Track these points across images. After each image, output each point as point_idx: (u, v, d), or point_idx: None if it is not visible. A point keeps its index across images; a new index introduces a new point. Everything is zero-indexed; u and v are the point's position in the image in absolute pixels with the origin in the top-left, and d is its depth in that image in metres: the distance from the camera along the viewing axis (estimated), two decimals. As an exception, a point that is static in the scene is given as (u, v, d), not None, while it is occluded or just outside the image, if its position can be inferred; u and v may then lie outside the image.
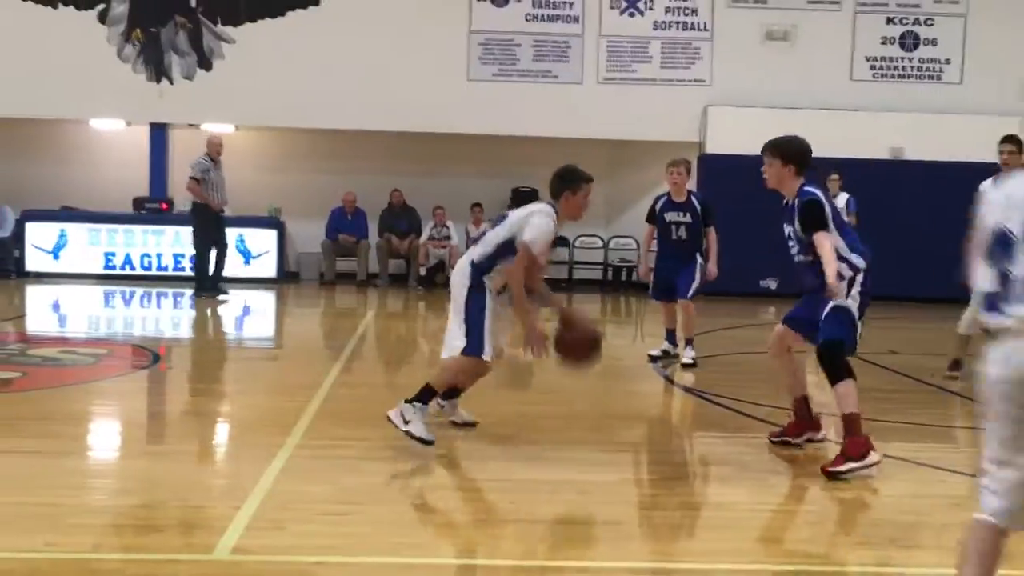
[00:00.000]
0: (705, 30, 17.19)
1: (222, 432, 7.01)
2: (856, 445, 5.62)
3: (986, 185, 8.68)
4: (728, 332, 12.70)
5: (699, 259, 9.73)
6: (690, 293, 9.58)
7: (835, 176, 14.40)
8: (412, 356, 11.31)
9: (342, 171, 17.73)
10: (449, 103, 16.77)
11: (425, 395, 6.06)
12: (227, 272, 14.94)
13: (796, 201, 6.12)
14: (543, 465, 5.81)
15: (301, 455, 5.88)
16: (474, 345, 6.00)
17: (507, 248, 6.18)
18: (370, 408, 6.77)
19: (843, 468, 5.56)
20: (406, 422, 5.95)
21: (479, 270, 6.21)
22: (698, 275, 9.65)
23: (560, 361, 6.29)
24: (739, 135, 16.79)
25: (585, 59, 17.20)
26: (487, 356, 6.03)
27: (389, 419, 6.00)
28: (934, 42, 17.22)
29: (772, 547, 4.69)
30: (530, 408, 7.86)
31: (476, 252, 6.29)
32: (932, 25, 17.19)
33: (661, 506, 5.24)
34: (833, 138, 16.48)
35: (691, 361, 9.54)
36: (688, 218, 9.86)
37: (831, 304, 5.78)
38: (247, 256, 16.86)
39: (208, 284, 14.44)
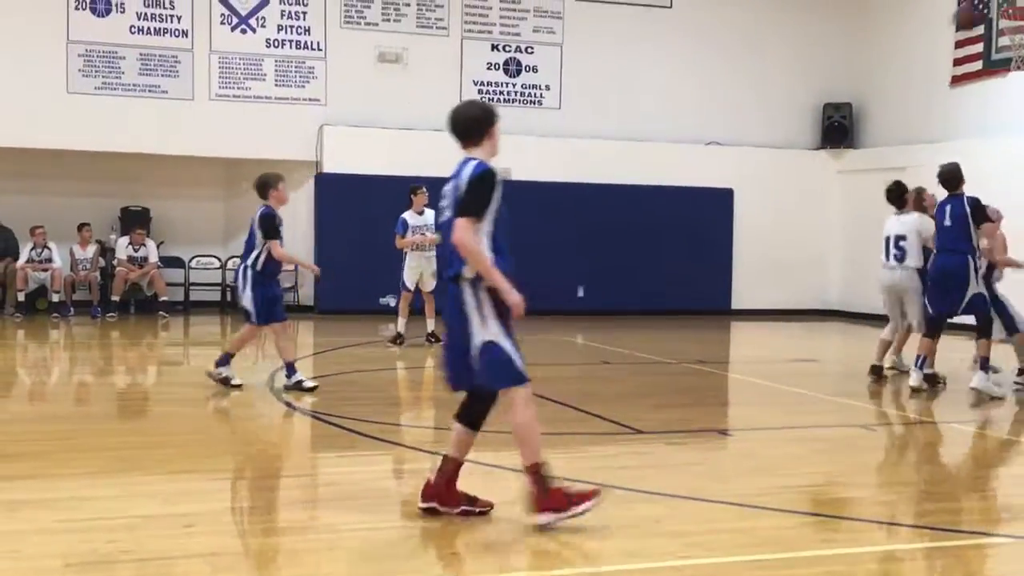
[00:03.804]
0: (319, 50, 17.27)
1: None
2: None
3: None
4: (347, 351, 12.80)
5: None
6: None
7: (422, 191, 13.14)
8: (11, 389, 10.44)
9: (-79, 188, 16.17)
10: (47, 116, 15.75)
11: None
12: None
13: None
14: (148, 500, 5.58)
15: None
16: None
17: None
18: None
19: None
20: None
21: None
22: None
23: None
24: (355, 154, 17.04)
25: (196, 75, 16.74)
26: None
27: None
28: (535, 69, 18.32)
29: (368, 566, 4.74)
30: (136, 439, 7.53)
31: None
32: (532, 53, 18.29)
33: (271, 532, 5.18)
34: (446, 159, 17.09)
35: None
36: None
37: None
38: None
39: None
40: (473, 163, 5.23)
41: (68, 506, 5.44)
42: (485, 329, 5.09)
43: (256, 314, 9.20)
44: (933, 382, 10.06)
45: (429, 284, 13.15)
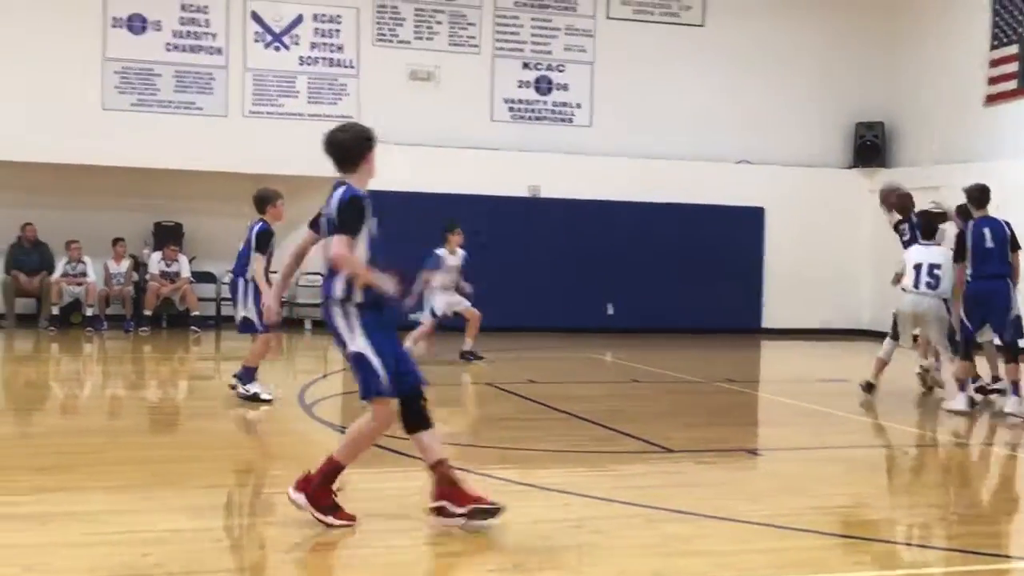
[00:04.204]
0: (351, 67, 17.40)
1: None
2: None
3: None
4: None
5: None
6: None
7: (458, 230, 13.07)
8: (44, 402, 10.55)
9: (-42, 203, 16.41)
10: (82, 132, 15.91)
11: None
12: None
13: None
14: (179, 514, 5.61)
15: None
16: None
17: None
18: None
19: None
20: None
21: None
22: None
23: None
24: (386, 171, 17.06)
25: (230, 92, 16.90)
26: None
27: None
28: (566, 87, 18.36)
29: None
30: (167, 452, 7.58)
31: None
32: (564, 71, 18.33)
33: (302, 548, 5.20)
34: (476, 176, 17.22)
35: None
36: None
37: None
38: None
39: None
40: (341, 189, 5.47)
41: (99, 519, 5.48)
42: (354, 342, 5.34)
43: (260, 322, 9.32)
44: (971, 404, 9.98)
45: (464, 303, 13.17)
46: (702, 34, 18.81)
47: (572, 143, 18.12)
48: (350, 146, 5.53)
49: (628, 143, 18.21)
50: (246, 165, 16.82)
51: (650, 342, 16.51)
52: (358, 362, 5.35)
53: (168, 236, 17.20)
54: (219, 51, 16.86)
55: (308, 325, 17.50)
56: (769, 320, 18.90)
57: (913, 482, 7.59)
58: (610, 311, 18.15)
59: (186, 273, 16.78)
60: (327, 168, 19.16)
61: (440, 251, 12.95)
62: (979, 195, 9.93)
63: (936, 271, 10.30)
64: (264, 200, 9.60)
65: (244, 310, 9.54)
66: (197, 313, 16.53)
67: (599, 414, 9.30)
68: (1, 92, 15.70)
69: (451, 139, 17.42)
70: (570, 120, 18.39)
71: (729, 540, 5.40)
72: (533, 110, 18.25)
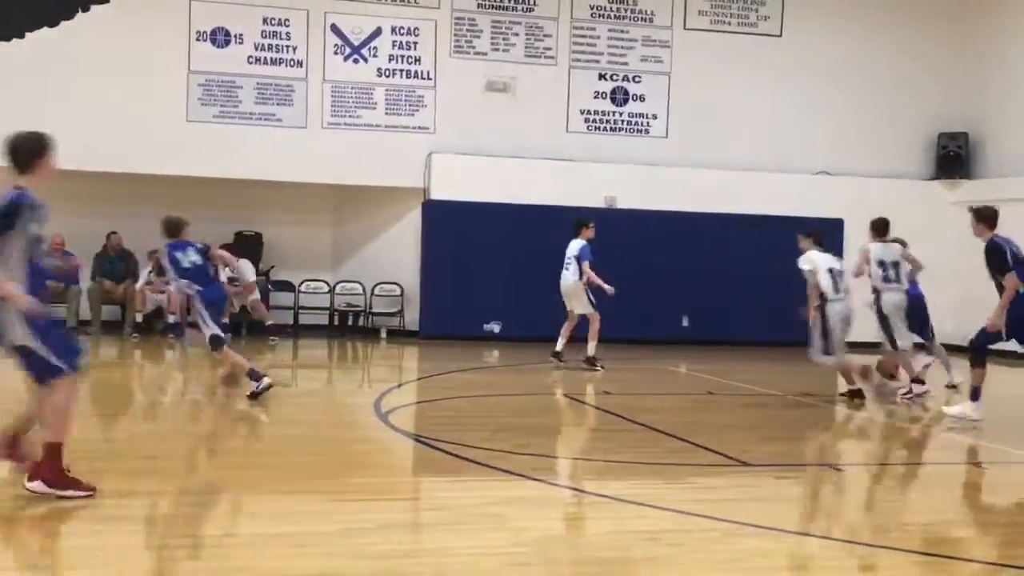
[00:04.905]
0: (428, 79, 17.55)
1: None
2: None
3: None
4: (451, 376, 12.91)
5: None
6: None
7: (592, 224, 13.81)
8: (128, 408, 10.80)
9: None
10: (167, 144, 16.29)
11: None
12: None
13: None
14: (260, 519, 5.70)
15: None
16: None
17: None
18: (73, 467, 6.38)
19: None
20: None
21: None
22: None
23: None
24: (462, 181, 17.25)
25: (309, 103, 17.16)
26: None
27: None
28: (642, 98, 18.32)
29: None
30: (247, 458, 7.70)
31: None
32: (640, 82, 18.29)
33: (380, 555, 5.26)
34: (551, 187, 17.25)
35: None
36: None
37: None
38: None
39: None
40: (11, 192, 5.68)
41: (182, 523, 5.59)
42: (13, 333, 5.58)
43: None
44: None
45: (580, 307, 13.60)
46: (780, 44, 18.65)
47: (648, 154, 18.08)
48: (20, 148, 5.77)
49: (704, 154, 18.11)
50: (325, 176, 17.11)
51: (725, 354, 16.37)
52: (25, 354, 5.62)
53: (249, 246, 17.49)
54: (299, 64, 17.14)
55: (383, 334, 17.67)
56: (848, 333, 18.59)
57: (998, 499, 7.42)
58: (685, 323, 18.04)
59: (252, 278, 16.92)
60: (403, 178, 19.44)
61: (583, 241, 13.47)
62: (993, 216, 10.12)
63: (896, 266, 12.15)
64: (181, 225, 10.80)
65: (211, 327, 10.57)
66: (271, 322, 16.70)
67: (674, 426, 9.24)
68: (89, 104, 16.11)
69: (527, 150, 17.49)
70: (646, 131, 18.35)
71: (809, 556, 5.33)
72: (609, 121, 18.24)
